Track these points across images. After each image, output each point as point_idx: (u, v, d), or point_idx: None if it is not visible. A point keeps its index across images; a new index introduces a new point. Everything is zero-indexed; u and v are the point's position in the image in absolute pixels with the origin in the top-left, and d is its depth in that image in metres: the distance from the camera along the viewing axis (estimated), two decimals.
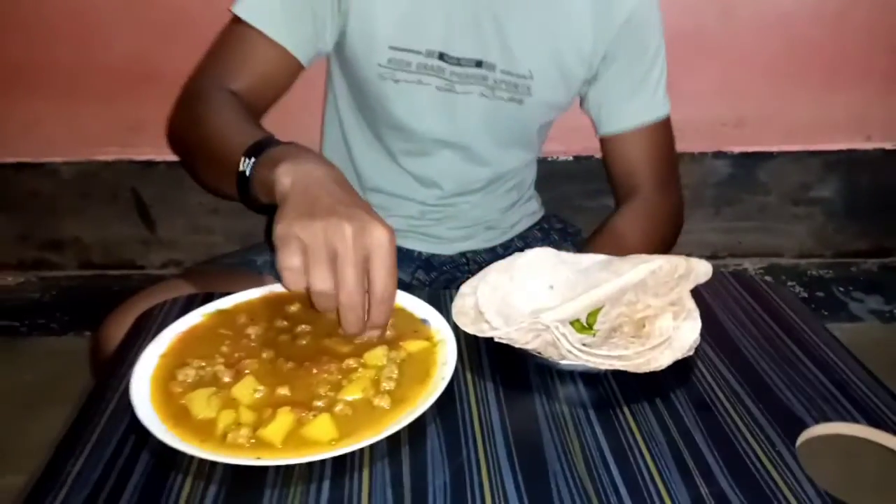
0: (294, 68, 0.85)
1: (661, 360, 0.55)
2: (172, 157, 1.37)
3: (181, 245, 1.45)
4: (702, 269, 0.63)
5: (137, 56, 1.29)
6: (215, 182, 0.73)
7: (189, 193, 1.39)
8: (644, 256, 0.64)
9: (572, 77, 0.91)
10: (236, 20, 0.83)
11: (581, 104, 0.98)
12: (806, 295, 1.56)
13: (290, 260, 0.52)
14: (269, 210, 0.61)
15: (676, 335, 0.56)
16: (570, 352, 0.55)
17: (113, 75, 1.30)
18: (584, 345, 0.55)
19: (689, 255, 0.64)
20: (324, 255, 0.52)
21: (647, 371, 0.54)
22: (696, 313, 0.59)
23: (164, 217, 1.43)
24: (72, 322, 1.51)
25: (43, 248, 1.47)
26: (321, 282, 0.52)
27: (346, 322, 0.54)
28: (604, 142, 0.97)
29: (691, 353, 0.57)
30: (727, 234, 1.50)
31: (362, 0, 0.82)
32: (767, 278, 1.53)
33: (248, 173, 0.63)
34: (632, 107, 0.93)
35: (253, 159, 0.63)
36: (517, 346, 0.57)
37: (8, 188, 1.40)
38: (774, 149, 1.43)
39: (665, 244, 0.94)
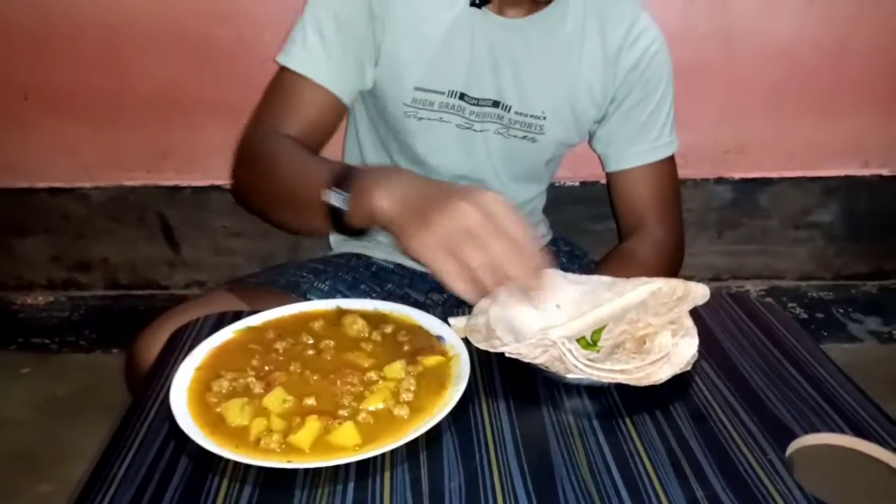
0: (341, 111, 0.88)
1: (660, 374, 0.58)
2: (197, 182, 1.43)
3: (204, 266, 1.50)
4: (699, 293, 0.66)
5: (168, 85, 1.35)
6: (301, 222, 0.77)
7: (212, 217, 1.45)
8: (645, 279, 0.67)
9: (584, 118, 0.95)
10: (284, 70, 0.86)
11: (589, 141, 1.01)
12: (806, 316, 1.58)
13: (445, 266, 0.57)
14: (360, 233, 0.68)
15: (675, 351, 0.59)
16: (575, 366, 0.58)
17: (144, 104, 1.36)
18: (588, 360, 0.59)
19: (692, 277, 0.67)
20: (464, 239, 0.56)
21: (648, 384, 0.58)
22: (694, 331, 0.62)
23: (189, 239, 1.48)
24: (99, 340, 1.55)
25: (72, 269, 1.52)
26: (478, 259, 0.56)
27: (520, 276, 0.57)
28: (610, 177, 1.00)
29: (689, 367, 0.61)
30: (730, 257, 1.53)
31: (392, 45, 0.86)
32: (769, 300, 1.55)
33: (342, 208, 0.66)
34: (637, 147, 0.96)
35: (342, 193, 0.66)
36: (526, 360, 0.60)
37: (42, 212, 1.46)
38: (775, 174, 1.46)
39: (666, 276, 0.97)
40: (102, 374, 1.40)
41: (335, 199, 0.66)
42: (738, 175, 1.46)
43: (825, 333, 1.56)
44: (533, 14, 0.88)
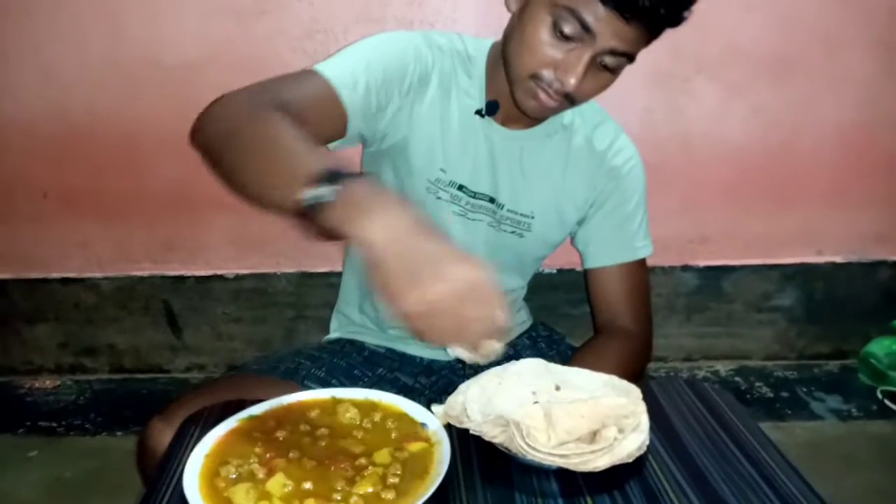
0: (340, 135, 0.87)
1: (598, 462, 0.64)
2: (201, 272, 1.52)
3: (205, 351, 1.56)
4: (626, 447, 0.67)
5: (177, 185, 1.45)
6: (263, 188, 0.67)
7: (214, 304, 1.53)
8: (605, 380, 0.75)
9: (567, 220, 1.06)
10: (314, 73, 0.85)
11: (571, 241, 1.12)
12: (772, 395, 1.63)
13: (432, 332, 0.60)
14: (328, 236, 0.61)
15: (618, 444, 0.66)
16: (520, 446, 0.64)
17: (155, 201, 1.47)
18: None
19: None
20: (448, 317, 0.59)
21: (585, 471, 0.65)
22: (646, 426, 0.69)
23: (191, 325, 1.55)
24: (104, 423, 1.56)
25: (79, 354, 1.58)
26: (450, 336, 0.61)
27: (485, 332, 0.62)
28: (587, 273, 1.10)
29: (630, 460, 0.67)
30: (699, 339, 1.61)
31: (424, 124, 0.95)
32: (737, 379, 1.63)
33: (320, 200, 0.59)
34: (613, 247, 1.07)
35: (328, 188, 0.59)
36: (486, 438, 0.67)
37: (54, 300, 1.53)
38: (735, 262, 1.57)
39: (637, 369, 1.04)
40: (108, 456, 1.43)
41: (317, 190, 0.59)
42: (702, 263, 1.57)
43: (789, 412, 1.60)
44: (530, 128, 1.01)
